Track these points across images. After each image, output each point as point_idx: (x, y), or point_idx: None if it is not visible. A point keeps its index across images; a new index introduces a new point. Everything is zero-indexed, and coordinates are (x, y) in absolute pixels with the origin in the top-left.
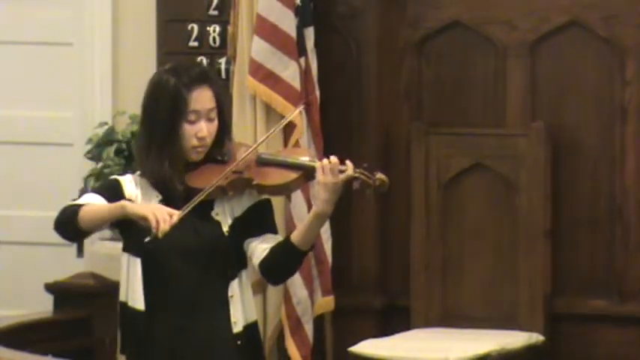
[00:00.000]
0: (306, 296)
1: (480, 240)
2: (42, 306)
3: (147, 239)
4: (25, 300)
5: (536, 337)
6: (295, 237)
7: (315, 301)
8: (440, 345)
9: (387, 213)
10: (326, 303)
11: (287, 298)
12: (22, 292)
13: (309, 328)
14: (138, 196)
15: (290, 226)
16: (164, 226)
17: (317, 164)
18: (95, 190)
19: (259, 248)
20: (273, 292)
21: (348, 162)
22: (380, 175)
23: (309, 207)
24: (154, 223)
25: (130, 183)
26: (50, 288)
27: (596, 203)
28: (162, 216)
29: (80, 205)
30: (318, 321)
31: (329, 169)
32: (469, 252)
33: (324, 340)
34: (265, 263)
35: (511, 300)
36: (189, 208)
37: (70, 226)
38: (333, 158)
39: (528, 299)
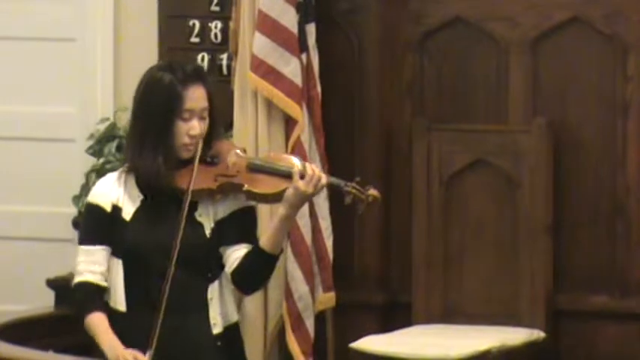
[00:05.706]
0: (307, 292)
1: (482, 236)
2: (43, 301)
3: None
4: (27, 295)
5: (537, 334)
6: (264, 243)
7: (317, 297)
8: (441, 341)
9: (388, 209)
10: (327, 299)
11: (288, 294)
12: (24, 287)
13: (310, 324)
14: (120, 197)
15: None
16: None
17: (296, 171)
18: (85, 239)
19: (232, 257)
20: (274, 288)
21: (321, 172)
22: (372, 192)
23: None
24: None
25: (110, 189)
26: (51, 283)
27: (598, 199)
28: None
29: (89, 308)
30: (320, 317)
31: (312, 180)
32: (470, 248)
33: (325, 336)
34: (237, 271)
35: (512, 296)
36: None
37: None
38: (316, 169)
39: (530, 295)
